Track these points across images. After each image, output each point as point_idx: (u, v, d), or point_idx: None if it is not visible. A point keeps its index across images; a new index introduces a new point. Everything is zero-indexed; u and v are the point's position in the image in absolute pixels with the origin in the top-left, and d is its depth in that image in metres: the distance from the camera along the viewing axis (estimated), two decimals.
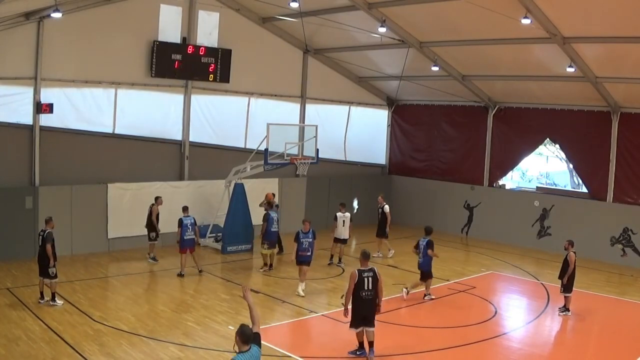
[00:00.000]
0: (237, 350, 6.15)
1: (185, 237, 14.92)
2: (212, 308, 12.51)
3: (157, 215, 16.41)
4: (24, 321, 11.13)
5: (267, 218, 15.79)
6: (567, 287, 12.88)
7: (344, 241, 16.87)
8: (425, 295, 13.75)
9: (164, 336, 10.71)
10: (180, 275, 14.88)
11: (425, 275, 13.82)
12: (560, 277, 12.97)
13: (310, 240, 13.85)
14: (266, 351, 10.27)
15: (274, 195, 17.81)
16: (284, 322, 12.22)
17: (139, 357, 9.83)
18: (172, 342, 10.37)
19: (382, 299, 10.19)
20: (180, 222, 14.97)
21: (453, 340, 11.15)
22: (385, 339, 11.26)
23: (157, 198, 16.51)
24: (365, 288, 9.71)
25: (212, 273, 15.52)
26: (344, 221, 16.74)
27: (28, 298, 12.47)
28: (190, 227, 15.01)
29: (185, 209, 15.39)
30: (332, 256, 16.93)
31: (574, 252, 12.93)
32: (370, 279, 9.72)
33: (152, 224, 16.32)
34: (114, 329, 10.95)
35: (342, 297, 10.17)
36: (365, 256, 9.94)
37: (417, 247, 14.01)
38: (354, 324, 9.92)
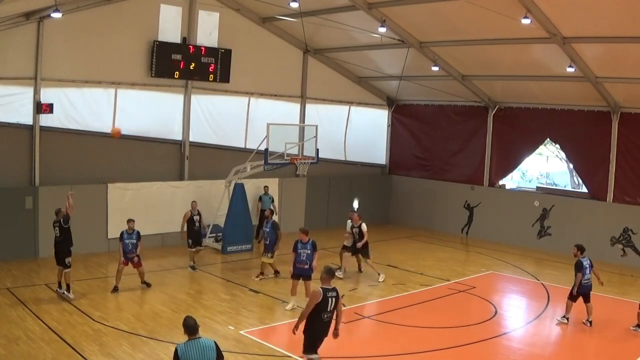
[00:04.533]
0: None
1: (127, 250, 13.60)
2: (212, 308, 12.51)
3: (190, 220, 15.56)
4: (24, 321, 11.13)
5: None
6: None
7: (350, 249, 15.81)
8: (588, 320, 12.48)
9: (164, 336, 10.71)
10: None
11: (589, 297, 12.41)
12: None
13: (309, 252, 12.70)
14: (266, 351, 10.30)
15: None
16: (284, 322, 12.20)
17: (139, 357, 9.83)
18: (172, 342, 10.34)
19: (341, 322, 8.97)
20: (122, 235, 13.64)
21: (453, 340, 11.15)
22: (385, 339, 11.29)
23: (192, 202, 15.87)
24: (329, 309, 8.52)
25: (212, 273, 15.52)
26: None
27: (28, 298, 12.49)
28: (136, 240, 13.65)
29: (131, 221, 13.87)
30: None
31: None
32: (333, 299, 8.53)
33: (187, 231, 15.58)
34: (114, 329, 10.95)
35: (296, 324, 8.57)
36: (328, 273, 8.75)
37: (580, 268, 12.24)
38: (310, 349, 8.62)
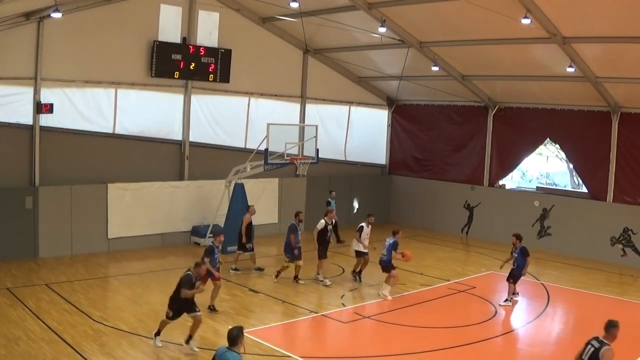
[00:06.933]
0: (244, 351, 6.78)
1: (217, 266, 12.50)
2: None
3: (249, 225, 15.21)
4: (24, 321, 11.13)
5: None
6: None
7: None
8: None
9: (164, 336, 10.67)
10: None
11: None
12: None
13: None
14: (266, 351, 10.30)
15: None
16: (284, 322, 12.22)
17: (139, 357, 9.83)
18: (172, 342, 10.36)
19: None
20: (212, 250, 12.35)
21: (453, 340, 11.14)
22: (386, 339, 11.29)
23: (248, 207, 15.65)
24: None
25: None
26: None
27: (28, 298, 12.47)
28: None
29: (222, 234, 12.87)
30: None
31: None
32: (591, 351, 7.35)
33: (240, 235, 15.26)
34: (114, 329, 10.95)
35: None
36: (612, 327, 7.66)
37: (528, 253, 13.95)
38: None
